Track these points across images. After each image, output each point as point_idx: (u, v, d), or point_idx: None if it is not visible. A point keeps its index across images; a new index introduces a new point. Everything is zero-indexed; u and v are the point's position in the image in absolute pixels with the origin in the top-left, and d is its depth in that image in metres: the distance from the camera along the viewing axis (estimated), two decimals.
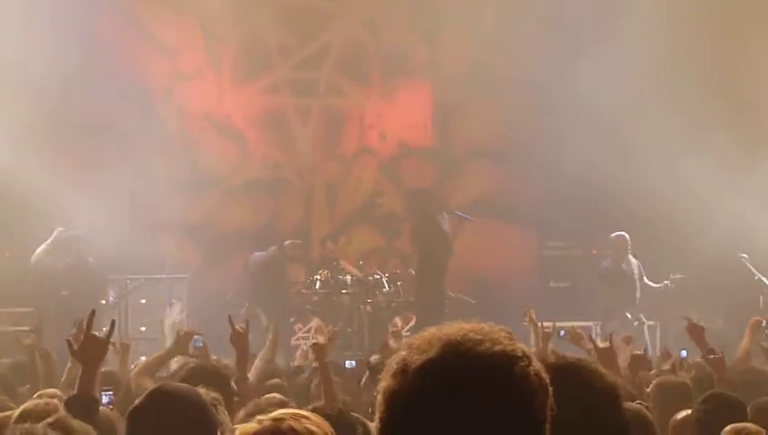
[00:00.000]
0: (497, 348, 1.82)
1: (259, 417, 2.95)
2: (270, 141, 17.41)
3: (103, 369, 7.47)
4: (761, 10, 16.08)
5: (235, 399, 5.45)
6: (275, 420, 2.90)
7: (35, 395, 6.24)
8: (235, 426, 3.63)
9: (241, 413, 4.75)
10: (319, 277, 15.22)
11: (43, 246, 14.17)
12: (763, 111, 15.58)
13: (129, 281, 14.81)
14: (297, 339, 14.70)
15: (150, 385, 6.09)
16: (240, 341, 7.05)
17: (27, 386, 8.01)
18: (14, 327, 12.86)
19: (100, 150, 15.81)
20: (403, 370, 1.82)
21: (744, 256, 14.23)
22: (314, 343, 7.03)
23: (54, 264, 14.18)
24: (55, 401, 5.66)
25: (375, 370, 7.04)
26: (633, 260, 14.65)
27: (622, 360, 7.21)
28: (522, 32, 16.37)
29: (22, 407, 5.45)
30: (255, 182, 17.22)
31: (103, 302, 14.15)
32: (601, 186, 15.42)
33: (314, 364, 9.45)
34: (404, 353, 1.84)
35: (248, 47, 17.31)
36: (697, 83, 15.29)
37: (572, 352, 10.12)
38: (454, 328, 1.85)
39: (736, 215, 14.54)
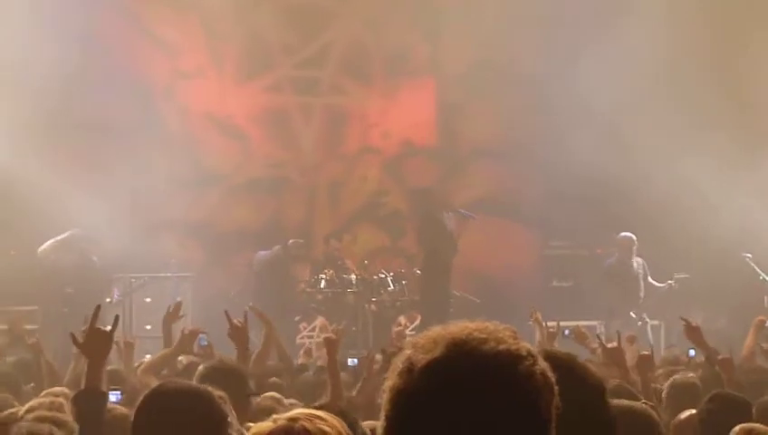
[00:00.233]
0: (502, 347, 1.82)
1: (275, 416, 2.96)
2: (272, 140, 17.41)
3: (108, 368, 7.50)
4: (761, 10, 16.08)
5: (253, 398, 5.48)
6: (290, 419, 2.91)
7: (43, 393, 6.25)
8: (249, 424, 3.64)
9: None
10: (324, 276, 15.23)
11: (51, 242, 14.19)
12: (764, 110, 15.56)
13: (133, 280, 14.82)
14: (302, 337, 14.71)
15: (156, 383, 6.11)
16: (239, 335, 7.06)
17: (32, 384, 8.01)
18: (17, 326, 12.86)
19: (103, 150, 15.80)
20: (409, 369, 1.82)
21: (749, 255, 14.23)
22: (326, 337, 7.03)
23: (59, 260, 14.20)
24: (60, 399, 5.68)
25: (389, 357, 7.04)
26: (638, 259, 14.65)
27: (627, 359, 7.21)
28: (523, 31, 16.37)
29: (27, 405, 5.46)
30: (258, 181, 17.22)
31: (108, 300, 14.15)
32: (605, 185, 15.41)
33: (319, 362, 9.47)
34: (409, 352, 1.84)
35: (250, 46, 17.31)
36: (698, 83, 15.29)
37: (577, 352, 10.15)
38: (459, 327, 1.85)
39: (740, 214, 14.54)
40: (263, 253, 15.26)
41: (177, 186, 16.25)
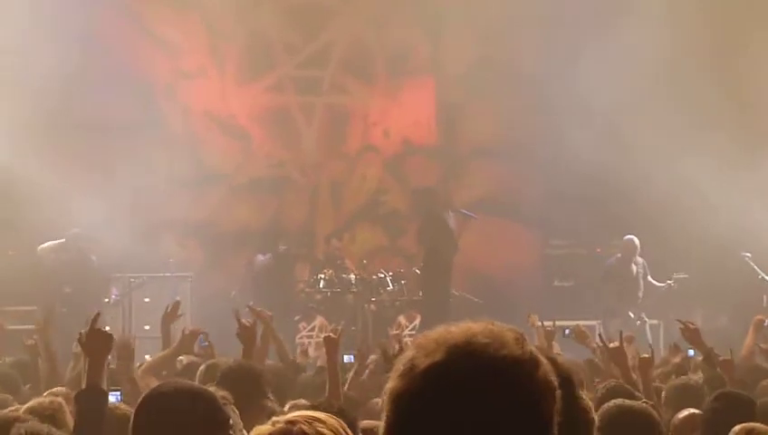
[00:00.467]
0: (504, 351, 1.81)
1: (273, 418, 2.96)
2: (274, 140, 17.41)
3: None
4: (761, 10, 16.07)
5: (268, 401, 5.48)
6: (288, 422, 2.91)
7: (45, 393, 6.25)
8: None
9: None
10: (323, 276, 15.22)
11: (52, 243, 14.20)
12: (764, 110, 15.56)
13: (132, 280, 14.81)
14: (301, 337, 14.70)
15: (155, 384, 6.10)
16: (247, 335, 7.05)
17: (28, 386, 8.00)
18: (16, 326, 12.86)
19: (104, 149, 15.80)
20: (410, 371, 1.81)
21: (748, 254, 14.22)
22: (326, 337, 7.03)
23: (58, 259, 14.21)
24: (60, 398, 5.67)
25: (390, 359, 7.03)
26: (638, 259, 14.64)
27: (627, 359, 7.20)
28: (524, 31, 16.37)
29: (27, 404, 5.46)
30: (260, 180, 17.21)
31: (106, 300, 14.15)
32: (605, 184, 15.42)
33: (319, 362, 9.46)
34: (411, 354, 1.83)
35: (251, 45, 17.30)
36: (698, 83, 15.28)
37: (577, 351, 10.16)
38: (461, 328, 1.84)
39: (739, 213, 14.52)
40: (261, 258, 15.28)
41: (178, 185, 16.25)
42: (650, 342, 13.51)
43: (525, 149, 16.55)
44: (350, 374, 7.69)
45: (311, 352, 13.29)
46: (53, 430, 3.72)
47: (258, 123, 17.33)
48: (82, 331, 4.98)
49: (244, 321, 7.18)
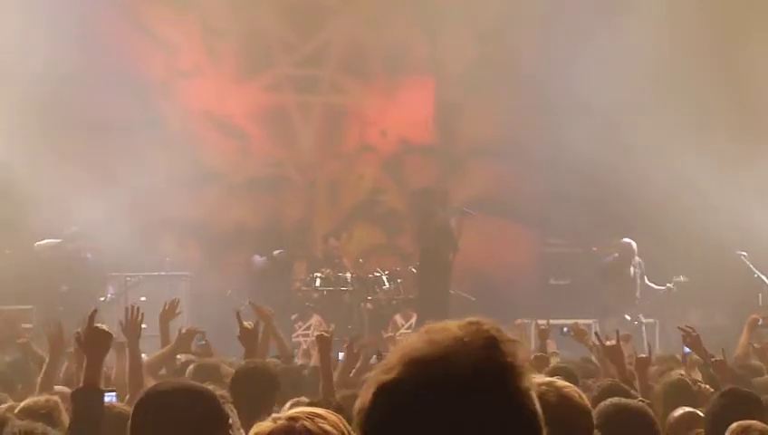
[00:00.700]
0: (465, 367, 1.75)
1: (274, 415, 2.95)
2: (271, 139, 17.40)
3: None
4: (760, 8, 16.08)
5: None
6: (290, 419, 2.90)
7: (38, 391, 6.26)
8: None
9: None
10: (319, 275, 15.23)
11: (49, 241, 14.19)
12: (764, 109, 15.57)
13: (128, 278, 14.80)
14: (297, 336, 14.70)
15: (153, 383, 6.11)
16: (249, 338, 7.03)
17: (20, 386, 7.99)
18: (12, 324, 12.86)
19: (101, 148, 15.78)
20: (372, 388, 1.80)
21: (744, 253, 14.23)
22: (318, 335, 7.04)
23: (55, 257, 14.21)
24: (56, 397, 5.67)
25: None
26: (636, 259, 14.65)
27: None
28: (523, 30, 16.38)
29: (23, 403, 5.45)
30: (257, 180, 17.21)
31: (102, 298, 14.14)
32: (603, 183, 15.43)
33: (313, 362, 9.46)
34: (383, 365, 1.81)
35: (249, 44, 17.29)
36: (697, 82, 15.29)
37: (574, 349, 10.16)
38: (428, 339, 1.79)
39: (736, 212, 14.53)
40: (258, 259, 15.28)
41: (176, 185, 16.22)
42: (647, 341, 13.55)
43: (523, 148, 16.56)
44: (337, 370, 7.69)
45: (308, 349, 13.29)
46: (48, 428, 3.72)
47: (256, 122, 17.32)
48: (79, 329, 4.98)
49: (246, 323, 7.15)
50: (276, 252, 15.34)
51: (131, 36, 16.73)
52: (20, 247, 14.58)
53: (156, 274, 14.92)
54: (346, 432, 2.93)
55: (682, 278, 14.78)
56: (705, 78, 15.35)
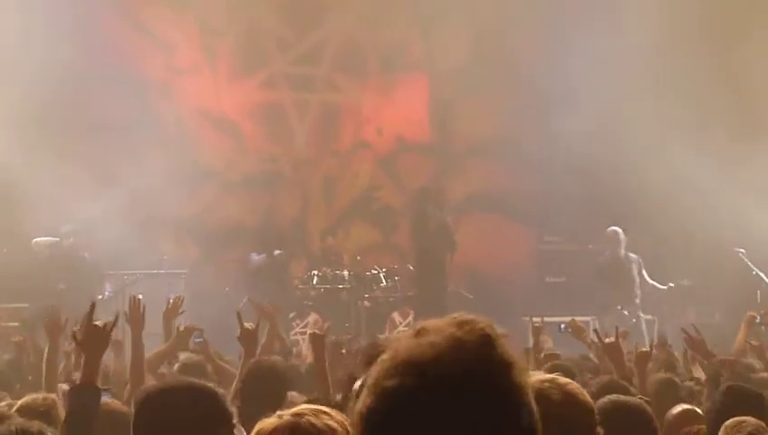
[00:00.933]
0: (469, 367, 1.77)
1: (279, 412, 2.95)
2: (267, 136, 17.40)
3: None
4: (760, 7, 16.10)
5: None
6: (294, 415, 2.90)
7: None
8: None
9: None
10: (317, 273, 15.22)
11: (46, 239, 14.19)
12: (762, 105, 15.58)
13: (126, 276, 14.79)
14: (294, 334, 14.70)
15: (152, 381, 6.10)
16: (249, 339, 7.02)
17: (18, 386, 7.98)
18: (6, 323, 12.87)
19: (97, 146, 15.77)
20: (375, 388, 1.80)
21: (742, 250, 14.23)
22: (311, 334, 7.05)
23: (51, 255, 14.20)
24: (53, 395, 5.66)
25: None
26: (632, 255, 14.62)
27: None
28: (518, 27, 16.37)
29: (20, 401, 5.45)
30: (252, 177, 17.20)
31: (99, 296, 14.13)
32: (599, 180, 15.44)
33: (309, 360, 9.46)
34: (380, 367, 1.81)
35: (245, 42, 17.29)
36: (694, 79, 15.30)
37: (572, 347, 10.15)
38: (427, 341, 1.80)
39: (734, 209, 14.54)
40: (255, 257, 15.27)
41: (172, 182, 16.20)
42: (646, 337, 13.54)
43: (520, 146, 16.55)
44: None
45: (303, 349, 13.29)
46: (44, 426, 3.71)
47: (251, 120, 17.32)
48: (74, 328, 4.97)
49: (247, 325, 7.14)
50: (277, 252, 15.33)
51: (127, 34, 16.72)
52: (17, 246, 14.57)
53: (154, 272, 14.92)
54: (350, 430, 2.94)
55: (686, 282, 14.75)
56: (703, 74, 15.36)
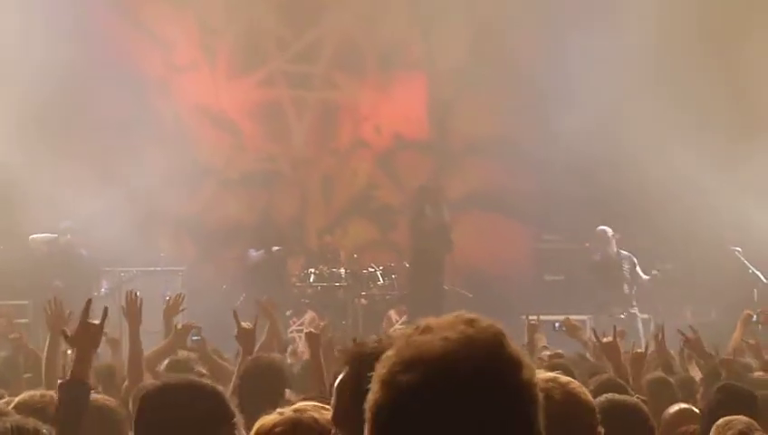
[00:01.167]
0: (481, 363, 1.79)
1: (279, 410, 2.96)
2: (265, 134, 17.40)
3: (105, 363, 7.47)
4: (760, 6, 16.11)
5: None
6: (296, 411, 2.91)
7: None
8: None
9: None
10: (314, 271, 15.23)
11: (44, 235, 14.19)
12: (760, 102, 15.58)
13: (123, 274, 14.79)
14: (291, 332, 14.70)
15: (150, 379, 6.10)
16: (246, 338, 7.02)
17: (14, 383, 7.96)
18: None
19: (96, 144, 15.78)
20: (389, 383, 1.81)
21: (738, 249, 14.23)
22: (307, 333, 7.05)
23: (49, 252, 14.20)
24: (51, 392, 5.66)
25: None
26: (624, 253, 14.57)
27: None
28: (516, 25, 16.37)
29: (18, 398, 5.44)
30: (250, 175, 17.21)
31: (95, 294, 14.12)
32: (598, 179, 15.44)
33: (305, 357, 9.47)
34: (391, 362, 1.82)
35: (243, 40, 17.29)
36: (692, 77, 15.31)
37: (568, 345, 10.15)
38: (440, 337, 1.81)
39: (730, 207, 14.54)
40: (253, 254, 15.27)
41: (170, 180, 16.21)
42: (642, 336, 13.54)
43: (517, 144, 16.55)
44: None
45: (299, 346, 13.29)
46: (39, 423, 3.71)
47: (249, 118, 17.32)
48: (65, 327, 4.96)
49: (244, 324, 7.13)
50: (275, 248, 15.33)
51: (126, 31, 16.73)
52: (14, 243, 14.56)
53: (151, 269, 14.92)
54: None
55: (669, 265, 14.72)
56: (701, 72, 15.37)
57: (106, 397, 5.18)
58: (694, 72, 15.35)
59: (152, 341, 8.42)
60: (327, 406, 2.98)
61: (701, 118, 15.00)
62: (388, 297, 15.22)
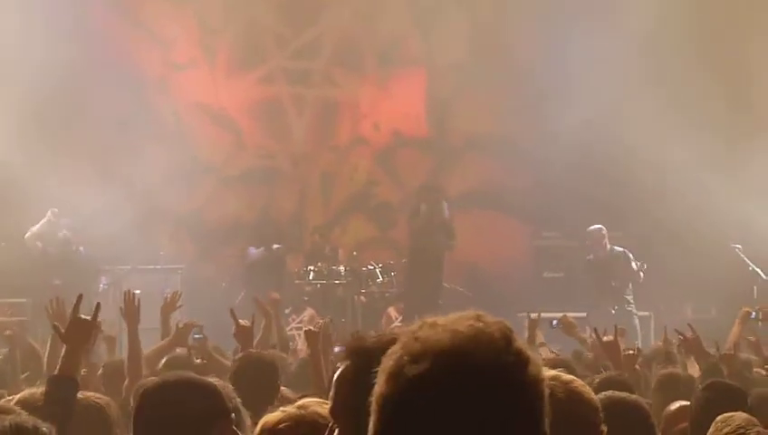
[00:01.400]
0: (491, 355, 1.79)
1: (282, 408, 2.96)
2: (264, 131, 17.39)
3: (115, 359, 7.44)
4: (759, 3, 16.12)
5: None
6: (299, 407, 2.91)
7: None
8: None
9: None
10: (313, 268, 15.23)
11: (36, 227, 14.19)
12: (759, 98, 15.58)
13: (120, 269, 14.80)
14: (291, 329, 14.70)
15: (151, 377, 6.09)
16: (244, 336, 7.02)
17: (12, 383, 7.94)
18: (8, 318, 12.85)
19: (95, 141, 15.80)
20: (396, 376, 1.80)
21: (738, 246, 14.23)
22: (306, 331, 7.06)
23: (46, 249, 14.18)
24: None
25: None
26: (617, 249, 14.52)
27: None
28: (516, 22, 16.36)
29: (18, 395, 5.43)
30: (250, 172, 17.20)
31: (94, 291, 14.12)
32: (597, 176, 15.44)
33: (302, 355, 9.47)
34: (398, 355, 1.82)
35: (243, 37, 17.28)
36: (691, 72, 15.31)
37: (565, 343, 10.14)
38: (447, 329, 1.82)
39: (730, 204, 14.54)
40: (253, 251, 15.27)
41: (170, 178, 16.21)
42: (639, 334, 13.54)
43: (517, 141, 16.55)
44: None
45: (299, 344, 13.29)
46: (39, 422, 3.70)
47: (249, 115, 17.32)
48: (55, 323, 4.95)
49: (242, 322, 7.14)
50: (275, 246, 15.33)
51: (125, 29, 16.73)
52: (14, 242, 14.56)
53: (150, 267, 14.92)
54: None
55: (644, 266, 14.65)
56: (700, 68, 15.37)
57: (97, 395, 5.15)
58: (693, 73, 15.34)
59: (151, 338, 8.43)
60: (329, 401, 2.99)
61: (701, 115, 14.98)
62: (387, 295, 15.23)
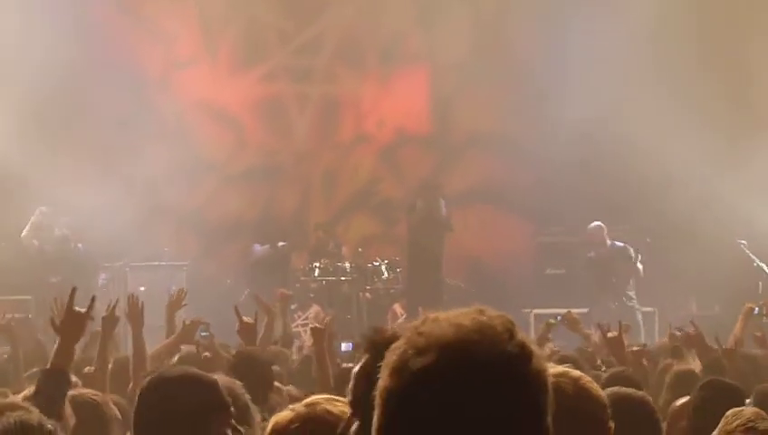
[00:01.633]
0: (495, 348, 1.80)
1: (291, 406, 2.96)
2: (267, 129, 17.39)
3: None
4: (760, 2, 16.11)
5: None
6: (308, 405, 2.92)
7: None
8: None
9: None
10: (318, 265, 15.23)
11: (29, 225, 14.21)
12: (761, 94, 15.57)
13: (126, 269, 14.81)
14: (296, 326, 14.71)
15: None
16: (248, 333, 7.03)
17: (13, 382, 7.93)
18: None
19: (97, 139, 15.79)
20: (401, 370, 1.81)
21: (743, 242, 14.22)
22: (312, 328, 7.07)
23: (42, 247, 14.19)
24: None
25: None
26: (618, 244, 14.51)
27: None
28: (519, 19, 16.36)
29: (23, 392, 5.44)
30: (252, 170, 17.20)
31: (94, 287, 14.11)
32: (599, 173, 15.44)
33: (305, 352, 9.49)
34: (402, 350, 1.82)
35: (245, 34, 17.28)
36: (692, 68, 15.31)
37: (568, 338, 10.14)
38: (451, 323, 1.83)
39: (736, 200, 14.53)
40: (258, 248, 15.28)
41: (172, 176, 16.22)
42: (641, 330, 13.54)
43: (519, 138, 16.54)
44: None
45: (305, 341, 13.30)
46: (44, 418, 3.70)
47: (251, 113, 17.31)
48: (52, 316, 4.97)
49: (245, 319, 7.14)
50: (280, 244, 15.35)
51: (127, 26, 16.72)
52: (15, 240, 14.56)
53: (155, 264, 14.93)
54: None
55: (648, 239, 14.63)
56: (701, 63, 15.39)
57: (94, 392, 5.16)
58: (694, 70, 15.34)
59: (157, 335, 8.43)
60: (338, 398, 2.99)
61: (702, 112, 14.97)
62: (392, 291, 15.24)
